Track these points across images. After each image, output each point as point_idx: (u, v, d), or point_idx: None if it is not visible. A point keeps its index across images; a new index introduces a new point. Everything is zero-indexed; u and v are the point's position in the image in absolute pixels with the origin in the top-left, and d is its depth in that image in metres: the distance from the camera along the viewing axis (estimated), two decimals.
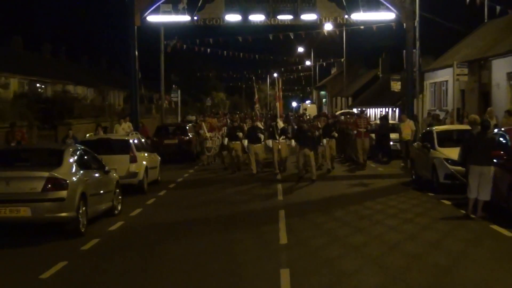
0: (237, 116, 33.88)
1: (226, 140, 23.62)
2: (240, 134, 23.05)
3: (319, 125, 23.40)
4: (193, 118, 40.26)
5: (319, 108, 70.89)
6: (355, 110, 44.67)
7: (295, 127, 22.77)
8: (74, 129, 25.10)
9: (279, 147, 22.08)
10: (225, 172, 23.35)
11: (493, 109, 23.21)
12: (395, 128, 27.78)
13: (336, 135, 23.51)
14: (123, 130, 24.49)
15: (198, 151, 28.13)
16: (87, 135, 22.73)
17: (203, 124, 26.94)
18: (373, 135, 26.20)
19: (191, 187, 19.81)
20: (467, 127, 17.47)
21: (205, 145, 26.25)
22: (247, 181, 20.71)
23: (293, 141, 21.76)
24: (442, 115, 29.79)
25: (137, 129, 25.44)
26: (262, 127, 24.29)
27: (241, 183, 20.28)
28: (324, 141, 22.61)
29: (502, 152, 12.95)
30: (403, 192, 17.68)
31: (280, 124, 23.59)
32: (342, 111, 47.87)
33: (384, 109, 48.19)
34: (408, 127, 24.18)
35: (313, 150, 20.47)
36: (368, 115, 42.49)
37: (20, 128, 20.45)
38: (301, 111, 56.12)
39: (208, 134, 26.12)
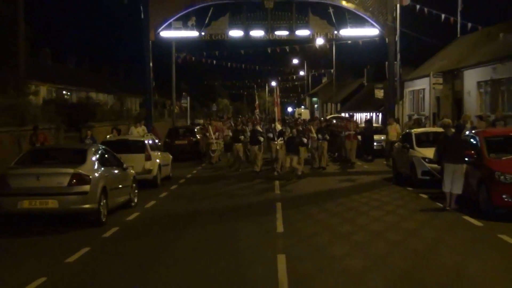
0: (239, 120, 33.83)
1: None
2: (242, 137, 23.02)
3: (312, 129, 23.41)
4: (201, 121, 40.22)
5: (312, 113, 70.78)
6: (343, 115, 44.63)
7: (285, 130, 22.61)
8: (96, 131, 25.09)
9: (277, 147, 22.02)
10: (229, 169, 23.31)
11: (469, 114, 23.20)
12: (378, 131, 27.79)
13: (328, 137, 23.51)
14: (138, 132, 24.54)
15: (205, 151, 28.06)
16: (108, 136, 22.73)
17: (210, 127, 26.90)
18: (359, 137, 26.19)
19: (199, 182, 19.81)
20: (441, 129, 17.52)
21: (211, 147, 26.24)
22: (248, 177, 20.67)
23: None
24: (422, 119, 29.86)
25: (148, 132, 25.48)
26: (262, 130, 24.22)
27: (242, 179, 20.25)
28: (319, 142, 22.63)
29: (472, 152, 12.97)
30: (385, 187, 17.67)
31: (278, 127, 23.55)
32: (332, 115, 47.82)
33: (368, 114, 48.14)
34: (394, 130, 24.21)
35: (297, 154, 20.17)
36: (355, 118, 42.44)
37: (42, 131, 20.34)
38: (296, 115, 55.96)
39: (213, 136, 26.10)
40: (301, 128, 22.94)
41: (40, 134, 19.81)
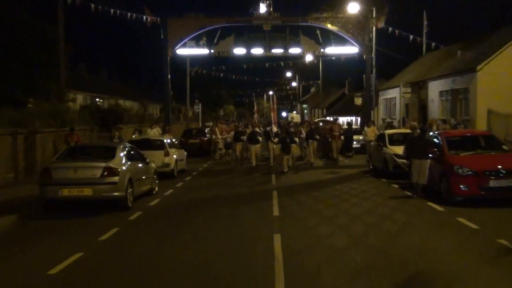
0: (241, 122, 33.80)
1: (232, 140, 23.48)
2: (243, 138, 22.97)
3: (303, 131, 23.38)
4: (210, 124, 40.20)
5: (302, 117, 70.72)
6: (328, 118, 44.59)
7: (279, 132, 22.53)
8: (123, 132, 25.08)
9: (274, 146, 21.96)
10: (232, 164, 23.24)
11: (435, 118, 23.16)
12: (357, 132, 27.76)
13: (318, 137, 23.47)
14: (154, 133, 24.55)
15: (213, 149, 28.01)
16: (133, 136, 22.74)
17: (217, 129, 26.86)
18: (342, 137, 26.13)
19: (208, 175, 19.79)
20: (409, 130, 17.57)
21: (218, 146, 26.19)
22: (248, 171, 20.66)
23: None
24: (394, 123, 29.85)
25: (164, 133, 25.44)
26: (260, 131, 24.18)
27: (244, 172, 20.25)
28: (309, 141, 22.60)
29: (435, 149, 13.00)
30: (363, 178, 17.66)
31: (274, 129, 23.52)
32: (319, 119, 47.78)
33: (349, 117, 48.13)
34: (372, 131, 24.16)
35: (289, 153, 20.07)
36: (338, 121, 42.29)
37: (76, 132, 20.25)
38: (289, 119, 55.98)
39: (219, 137, 26.05)
40: (293, 130, 22.91)
41: (75, 135, 19.74)
